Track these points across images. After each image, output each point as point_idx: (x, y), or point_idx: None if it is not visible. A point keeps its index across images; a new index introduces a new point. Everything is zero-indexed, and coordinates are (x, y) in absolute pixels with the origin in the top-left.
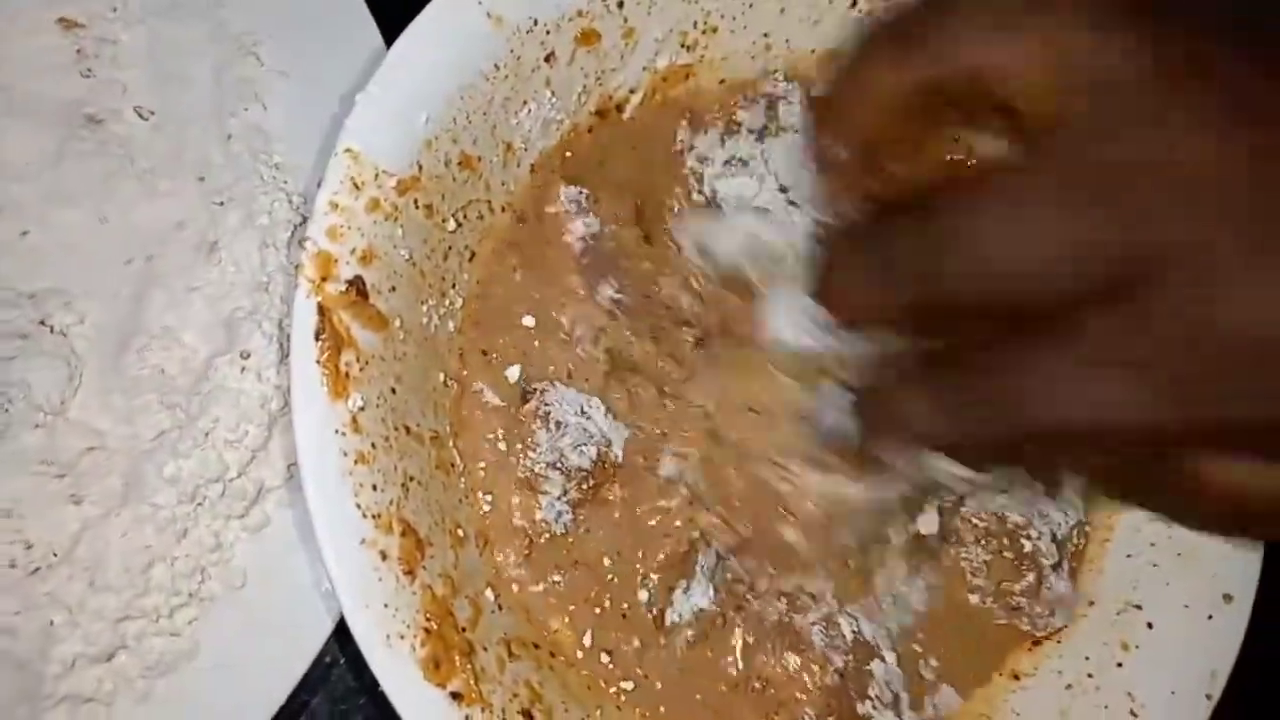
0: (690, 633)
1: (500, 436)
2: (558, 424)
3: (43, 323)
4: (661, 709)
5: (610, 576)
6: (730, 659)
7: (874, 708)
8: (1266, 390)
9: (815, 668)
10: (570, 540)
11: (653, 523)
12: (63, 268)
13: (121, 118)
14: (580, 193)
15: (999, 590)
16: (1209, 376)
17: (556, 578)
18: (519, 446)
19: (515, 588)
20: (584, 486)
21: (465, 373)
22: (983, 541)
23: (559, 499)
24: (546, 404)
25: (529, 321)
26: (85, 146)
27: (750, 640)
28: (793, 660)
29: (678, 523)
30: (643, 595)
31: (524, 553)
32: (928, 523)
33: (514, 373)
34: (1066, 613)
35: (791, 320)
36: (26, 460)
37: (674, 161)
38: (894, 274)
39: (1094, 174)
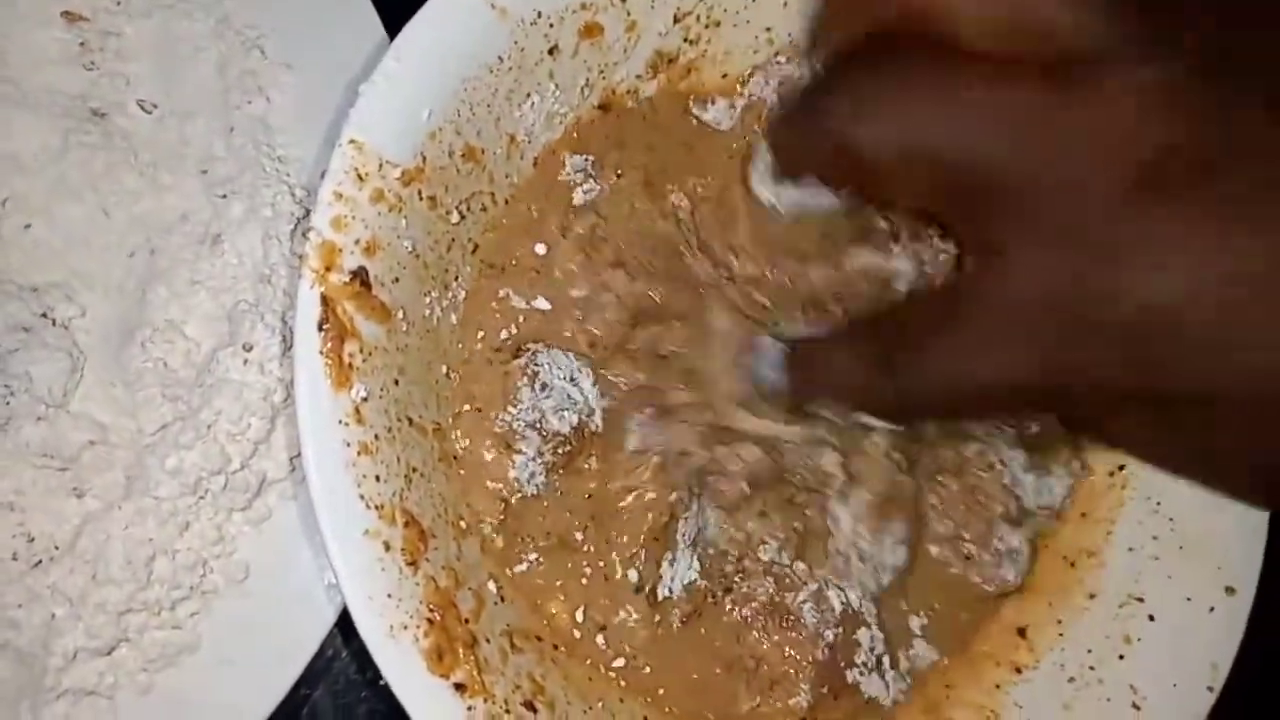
0: (683, 609)
1: (484, 387)
2: (544, 385)
3: (45, 315)
4: (660, 691)
5: (588, 547)
6: (722, 640)
7: (860, 674)
8: (1143, 359)
9: (808, 644)
10: (545, 505)
11: (629, 501)
12: (65, 260)
13: (125, 111)
14: (586, 160)
15: (956, 534)
16: (1076, 345)
17: (534, 554)
18: (500, 400)
19: (508, 571)
20: (559, 452)
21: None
22: (954, 485)
23: (533, 459)
24: (536, 364)
25: (542, 305)
26: (89, 139)
27: (742, 619)
28: (786, 638)
29: (652, 494)
30: (633, 575)
31: (499, 516)
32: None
33: (509, 331)
34: (1017, 568)
35: (764, 183)
36: (28, 453)
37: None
38: (824, 121)
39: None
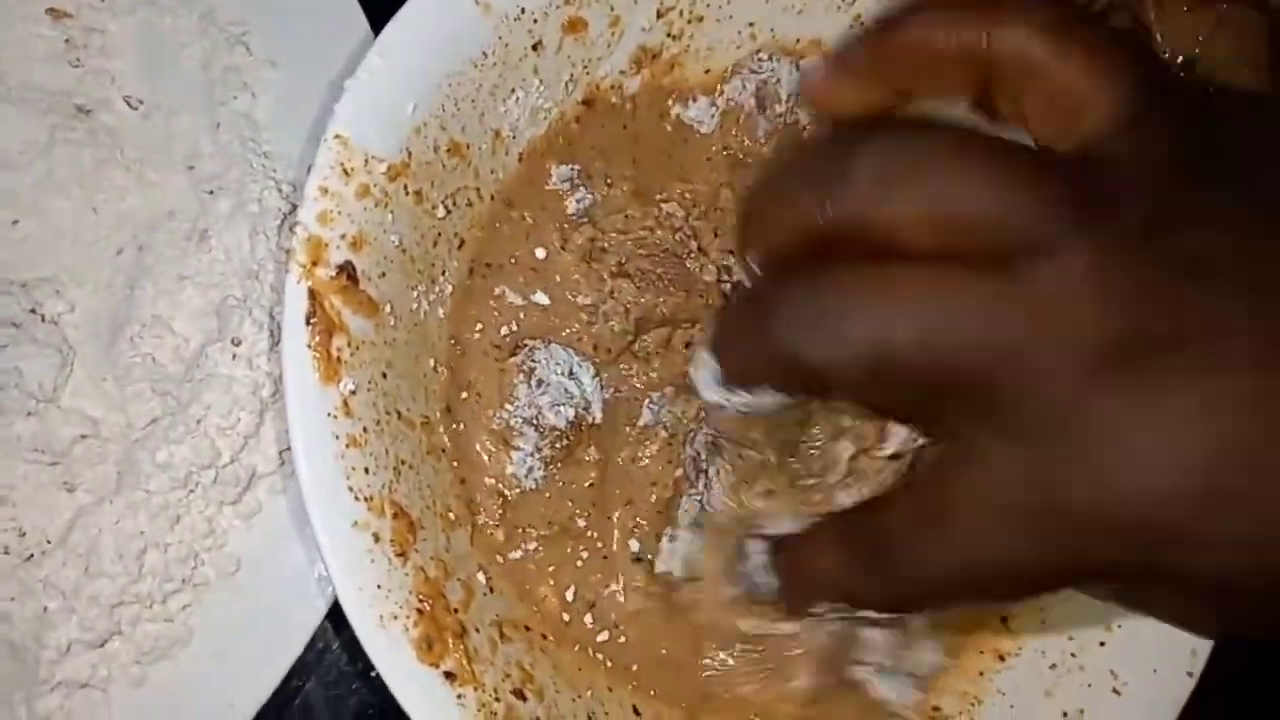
0: (678, 584)
1: (481, 384)
2: (540, 382)
3: (34, 311)
4: (635, 666)
5: (590, 532)
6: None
7: (865, 672)
8: (1133, 545)
9: (809, 628)
10: (547, 496)
11: (634, 470)
12: (53, 256)
13: (111, 107)
14: (572, 170)
15: None
16: (1062, 538)
17: (533, 544)
18: (497, 397)
19: (499, 558)
20: (557, 445)
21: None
22: None
23: (531, 455)
24: (533, 360)
25: (541, 300)
26: (75, 136)
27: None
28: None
29: (658, 466)
30: (634, 545)
31: (498, 511)
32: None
33: (508, 328)
34: None
35: (710, 387)
36: (19, 448)
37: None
38: (768, 338)
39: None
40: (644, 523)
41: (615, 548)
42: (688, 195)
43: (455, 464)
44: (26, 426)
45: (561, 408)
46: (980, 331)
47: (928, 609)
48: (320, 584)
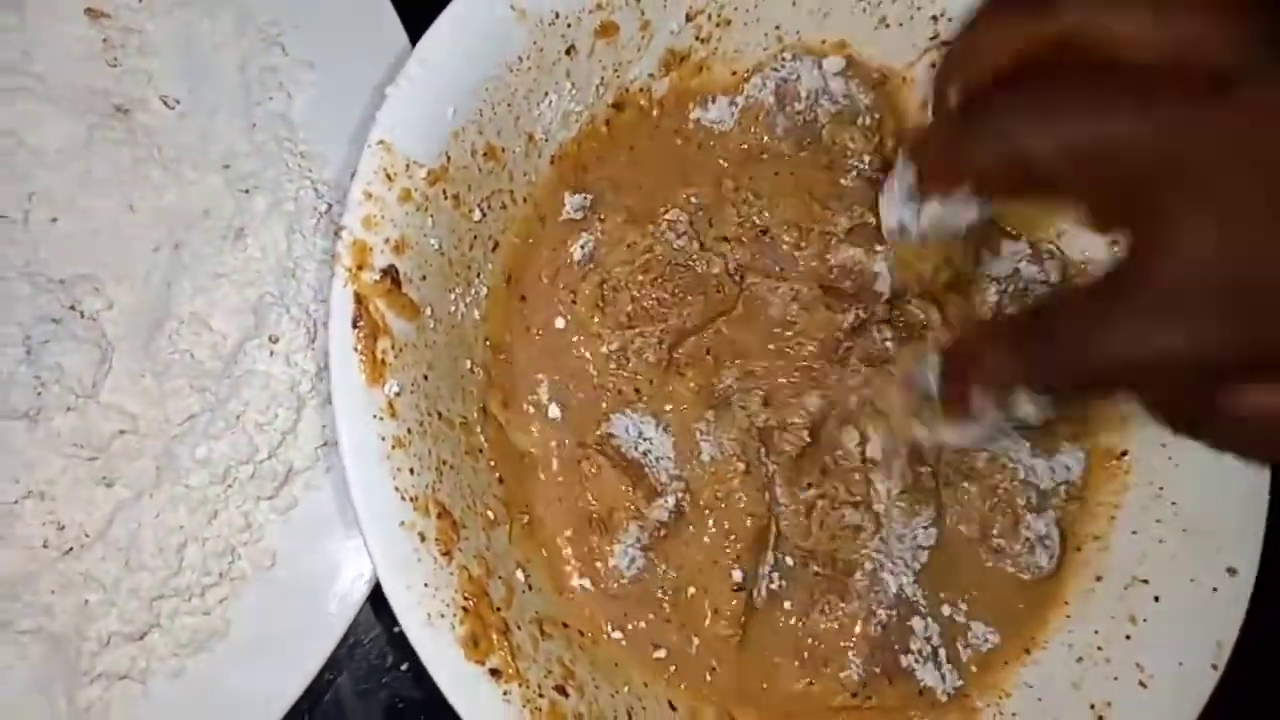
0: (773, 594)
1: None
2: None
3: (73, 308)
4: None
5: (695, 593)
6: (790, 620)
7: (916, 661)
8: None
9: (860, 619)
10: (647, 579)
11: (724, 508)
12: (92, 254)
13: (148, 107)
14: (585, 199)
15: (983, 532)
16: (1257, 314)
17: (642, 623)
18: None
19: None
20: (659, 533)
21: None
22: (973, 488)
23: (632, 546)
24: (613, 436)
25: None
26: (113, 135)
27: (805, 598)
28: (839, 611)
29: (743, 496)
30: (736, 575)
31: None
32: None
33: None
34: (1049, 553)
35: (902, 205)
36: (59, 443)
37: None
38: (982, 131)
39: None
40: (743, 555)
41: (715, 579)
42: (693, 199)
43: (493, 463)
44: (66, 421)
45: (663, 500)
46: (1200, 130)
47: (1092, 385)
48: (354, 579)
